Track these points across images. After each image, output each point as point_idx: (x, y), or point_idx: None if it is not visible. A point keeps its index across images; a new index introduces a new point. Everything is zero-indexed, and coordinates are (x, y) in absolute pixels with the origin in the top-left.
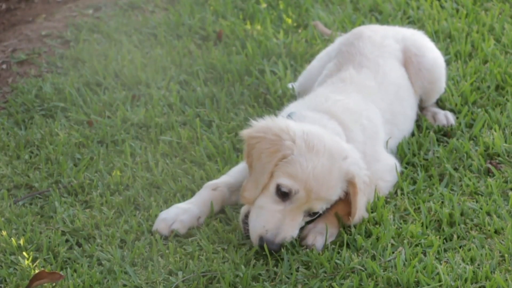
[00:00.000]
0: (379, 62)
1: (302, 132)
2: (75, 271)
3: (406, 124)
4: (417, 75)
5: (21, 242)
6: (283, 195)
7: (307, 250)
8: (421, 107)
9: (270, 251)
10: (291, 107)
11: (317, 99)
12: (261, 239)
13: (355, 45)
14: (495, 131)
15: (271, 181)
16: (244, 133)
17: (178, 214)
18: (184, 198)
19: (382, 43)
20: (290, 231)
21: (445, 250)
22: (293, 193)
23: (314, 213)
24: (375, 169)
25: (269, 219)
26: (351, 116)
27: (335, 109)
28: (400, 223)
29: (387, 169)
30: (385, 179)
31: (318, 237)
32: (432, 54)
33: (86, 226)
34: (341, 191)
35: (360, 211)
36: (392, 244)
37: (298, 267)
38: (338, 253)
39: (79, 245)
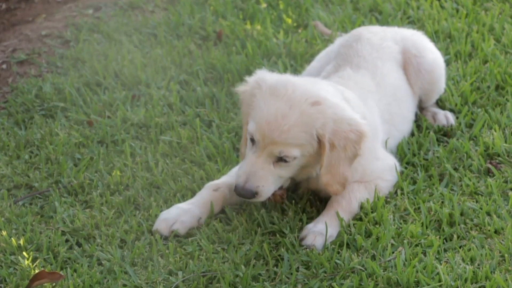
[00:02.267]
0: (377, 64)
1: (273, 81)
2: (75, 271)
3: (404, 125)
4: (417, 76)
5: (21, 242)
6: (251, 140)
7: (307, 250)
8: (421, 107)
9: (243, 196)
10: None
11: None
12: (235, 187)
13: (353, 47)
14: (495, 131)
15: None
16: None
17: (179, 215)
18: (184, 198)
19: (380, 45)
20: (261, 180)
21: (445, 250)
22: (254, 137)
23: (285, 160)
24: (375, 167)
25: (240, 165)
26: (353, 100)
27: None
28: (400, 223)
29: (386, 168)
30: (384, 178)
31: (318, 237)
32: (432, 54)
33: (86, 226)
34: (312, 139)
35: (330, 170)
36: (392, 244)
37: (298, 267)
38: (338, 253)
39: (79, 245)
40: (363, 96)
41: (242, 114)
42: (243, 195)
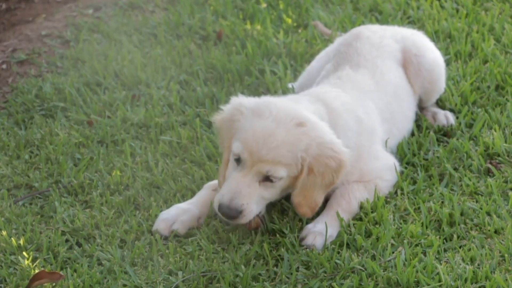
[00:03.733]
0: (377, 63)
1: (253, 104)
2: (75, 271)
3: (405, 124)
4: (417, 75)
5: (21, 242)
6: (237, 161)
7: (307, 250)
8: (421, 107)
9: (228, 217)
10: None
11: (310, 91)
12: (219, 206)
13: (353, 46)
14: (495, 131)
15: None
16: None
17: (178, 215)
18: (184, 198)
19: (380, 43)
20: (246, 198)
21: (445, 250)
22: (242, 155)
23: (271, 181)
24: (374, 167)
25: (225, 185)
26: (344, 105)
27: (326, 96)
28: (400, 223)
29: (386, 168)
30: (384, 178)
31: (318, 237)
32: (432, 54)
33: (86, 226)
34: (297, 160)
35: (304, 193)
36: (392, 244)
37: (298, 267)
38: (338, 253)
39: (79, 245)
40: (361, 96)
41: (220, 142)
42: (227, 214)
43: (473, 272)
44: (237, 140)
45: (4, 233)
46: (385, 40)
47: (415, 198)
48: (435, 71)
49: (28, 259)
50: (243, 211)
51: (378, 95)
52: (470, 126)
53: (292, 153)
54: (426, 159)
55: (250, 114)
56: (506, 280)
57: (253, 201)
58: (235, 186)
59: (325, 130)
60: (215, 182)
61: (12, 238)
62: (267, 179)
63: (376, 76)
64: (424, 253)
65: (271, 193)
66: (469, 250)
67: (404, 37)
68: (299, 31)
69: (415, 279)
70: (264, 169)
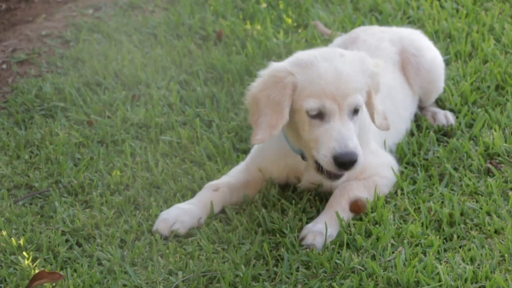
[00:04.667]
0: None
1: (288, 62)
2: (75, 271)
3: (401, 124)
4: (416, 75)
5: (21, 242)
6: (319, 116)
7: (307, 250)
8: (421, 107)
9: (350, 164)
10: None
11: None
12: (336, 158)
13: (349, 49)
14: (495, 131)
15: (299, 115)
16: (246, 98)
17: (179, 215)
18: (184, 198)
19: (377, 46)
20: (353, 138)
21: (445, 250)
22: (324, 109)
23: (356, 109)
24: (373, 162)
25: (327, 139)
26: None
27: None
28: (400, 223)
29: (384, 164)
30: (381, 174)
31: (318, 237)
32: (431, 53)
33: (86, 226)
34: (365, 83)
35: (377, 111)
36: (392, 244)
37: (298, 267)
38: (338, 253)
39: (79, 245)
40: None
41: (268, 104)
42: (350, 160)
43: (473, 272)
44: (307, 97)
45: (4, 233)
46: (383, 43)
47: (415, 198)
48: (434, 71)
49: (28, 259)
50: (358, 154)
51: None
52: (470, 126)
53: (359, 78)
54: (426, 159)
55: (302, 70)
56: (506, 280)
57: (357, 142)
58: (341, 133)
59: (358, 54)
60: (215, 182)
61: (12, 238)
62: (355, 112)
63: None
64: (424, 253)
65: (357, 127)
66: (469, 250)
67: (402, 38)
68: (299, 31)
69: (415, 279)
70: (353, 102)
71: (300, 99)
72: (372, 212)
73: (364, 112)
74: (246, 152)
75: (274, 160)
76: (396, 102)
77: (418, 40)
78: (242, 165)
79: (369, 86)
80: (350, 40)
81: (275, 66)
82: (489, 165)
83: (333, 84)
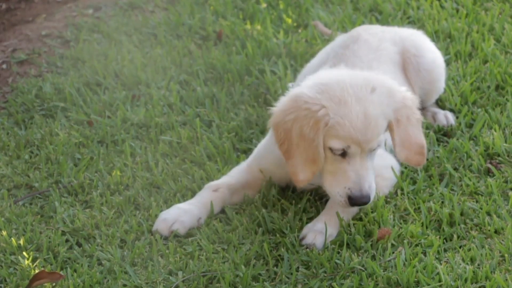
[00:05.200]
0: (372, 65)
1: (321, 91)
2: (75, 271)
3: None
4: (417, 75)
5: (21, 242)
6: (341, 154)
7: (307, 250)
8: (421, 107)
9: (362, 204)
10: None
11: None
12: (350, 199)
13: (350, 48)
14: (495, 131)
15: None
16: (272, 121)
17: (178, 215)
18: (184, 198)
19: (378, 46)
20: (368, 178)
21: (445, 250)
22: (347, 150)
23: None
24: (376, 163)
25: (345, 179)
26: None
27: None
28: (400, 223)
29: (385, 166)
30: (383, 176)
31: (318, 237)
32: (432, 54)
33: (86, 226)
34: (386, 118)
35: (404, 144)
36: (392, 244)
37: (298, 267)
38: (338, 253)
39: (79, 245)
40: None
41: (302, 139)
42: (364, 203)
43: (473, 272)
44: (334, 137)
45: (4, 233)
46: (383, 43)
47: (415, 198)
48: (434, 72)
49: (28, 259)
50: (371, 195)
51: None
52: (470, 126)
53: (384, 119)
54: (426, 159)
55: (335, 105)
56: (506, 280)
57: (373, 179)
58: (358, 175)
59: (387, 80)
60: (215, 182)
61: (12, 238)
62: (371, 151)
63: None
64: (424, 253)
65: (374, 159)
66: (469, 250)
67: (403, 38)
68: (299, 31)
69: (415, 279)
70: (374, 145)
71: (328, 136)
72: (372, 212)
73: None
74: (246, 152)
75: (277, 164)
76: None
77: (419, 40)
78: (243, 165)
79: (391, 119)
80: (351, 39)
81: (306, 93)
82: (489, 165)
83: (361, 131)
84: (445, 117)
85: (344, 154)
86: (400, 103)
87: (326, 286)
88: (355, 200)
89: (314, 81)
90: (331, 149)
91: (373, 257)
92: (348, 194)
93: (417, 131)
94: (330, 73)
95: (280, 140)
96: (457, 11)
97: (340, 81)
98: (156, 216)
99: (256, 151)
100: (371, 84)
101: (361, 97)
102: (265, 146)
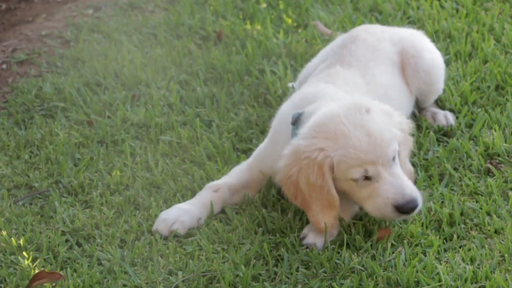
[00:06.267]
0: (369, 65)
1: (316, 133)
2: (75, 271)
3: None
4: (415, 76)
5: (21, 242)
6: (365, 179)
7: (307, 250)
8: (421, 108)
9: (412, 209)
10: (283, 108)
11: (302, 96)
12: (399, 209)
13: (347, 47)
14: (495, 131)
15: (345, 183)
16: (280, 179)
17: (178, 215)
18: (184, 198)
19: (376, 46)
20: (405, 183)
21: (445, 250)
22: (368, 173)
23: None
24: None
25: (384, 193)
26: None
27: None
28: (400, 223)
29: None
30: None
31: (319, 236)
32: (430, 55)
33: (86, 226)
34: (395, 131)
35: (402, 167)
36: (392, 244)
37: (298, 267)
38: (338, 253)
39: (79, 245)
40: (350, 92)
41: (311, 188)
42: (413, 207)
43: (473, 272)
44: (349, 169)
45: (4, 233)
46: (382, 43)
47: None
48: (432, 73)
49: (28, 259)
50: (418, 198)
51: (367, 93)
52: (470, 126)
53: (388, 131)
54: (426, 159)
55: (332, 143)
56: (506, 280)
57: (407, 180)
58: (393, 185)
59: (382, 104)
60: (215, 182)
61: (12, 238)
62: (393, 159)
63: (367, 77)
64: (424, 253)
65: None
66: (469, 250)
67: (402, 38)
68: (299, 31)
69: (415, 279)
70: (392, 154)
71: (342, 173)
72: None
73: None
74: (246, 152)
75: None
76: (392, 101)
77: (418, 41)
78: (243, 165)
79: (400, 138)
80: (350, 39)
81: (302, 143)
82: (489, 165)
83: (369, 151)
84: (445, 117)
85: (368, 177)
86: (398, 124)
87: (326, 286)
88: (403, 208)
89: (308, 125)
90: (354, 180)
91: (373, 257)
92: (394, 204)
93: (408, 157)
94: (321, 111)
95: (292, 194)
96: (457, 11)
97: (333, 115)
98: (156, 216)
99: (257, 151)
100: (365, 106)
101: (357, 121)
102: (265, 147)
